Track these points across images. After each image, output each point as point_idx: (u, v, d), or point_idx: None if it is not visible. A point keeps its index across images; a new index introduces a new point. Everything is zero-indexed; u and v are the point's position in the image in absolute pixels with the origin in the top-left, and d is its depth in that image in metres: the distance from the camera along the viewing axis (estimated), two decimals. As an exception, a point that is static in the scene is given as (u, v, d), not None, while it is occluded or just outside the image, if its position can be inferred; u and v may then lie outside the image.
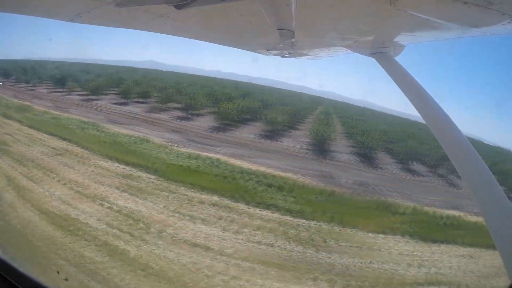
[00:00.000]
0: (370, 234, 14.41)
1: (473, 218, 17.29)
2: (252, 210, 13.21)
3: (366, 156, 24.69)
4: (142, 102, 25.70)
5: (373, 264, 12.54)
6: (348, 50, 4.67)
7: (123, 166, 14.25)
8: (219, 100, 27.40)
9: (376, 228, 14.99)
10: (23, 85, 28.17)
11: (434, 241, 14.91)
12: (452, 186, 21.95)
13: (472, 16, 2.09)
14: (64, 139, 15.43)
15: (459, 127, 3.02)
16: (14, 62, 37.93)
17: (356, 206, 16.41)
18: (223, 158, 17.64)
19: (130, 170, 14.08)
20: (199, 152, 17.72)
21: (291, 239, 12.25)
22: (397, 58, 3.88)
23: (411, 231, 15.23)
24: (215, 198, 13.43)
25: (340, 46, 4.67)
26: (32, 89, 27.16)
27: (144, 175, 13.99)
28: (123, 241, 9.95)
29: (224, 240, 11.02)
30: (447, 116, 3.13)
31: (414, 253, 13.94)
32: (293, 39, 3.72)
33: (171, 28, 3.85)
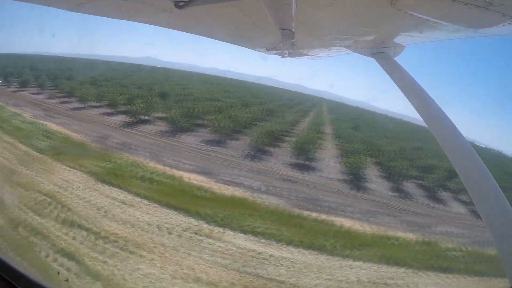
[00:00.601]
0: (61, 165, 22.21)
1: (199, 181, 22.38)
2: (19, 144, 27.31)
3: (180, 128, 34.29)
4: (51, 91, 42.05)
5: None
6: (348, 50, 4.90)
7: (-11, 126, 30.74)
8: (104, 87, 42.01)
9: (74, 166, 22.11)
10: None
11: (109, 184, 20.21)
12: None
13: (472, 17, 2.17)
14: (-26, 114, 33.00)
15: (458, 128, 3.09)
16: None
17: (86, 154, 24.70)
18: (50, 124, 31.90)
19: (-11, 127, 30.43)
20: (42, 121, 32.77)
21: (19, 160, 25.72)
22: (397, 59, 4.01)
23: (94, 172, 21.53)
24: (8, 138, 28.34)
25: (340, 46, 4.91)
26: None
27: (-6, 129, 30.09)
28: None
29: (-13, 153, 25.87)
30: (446, 117, 3.21)
31: (74, 182, 20.17)
32: (293, 39, 3.90)
33: (174, 23, 4.08)
